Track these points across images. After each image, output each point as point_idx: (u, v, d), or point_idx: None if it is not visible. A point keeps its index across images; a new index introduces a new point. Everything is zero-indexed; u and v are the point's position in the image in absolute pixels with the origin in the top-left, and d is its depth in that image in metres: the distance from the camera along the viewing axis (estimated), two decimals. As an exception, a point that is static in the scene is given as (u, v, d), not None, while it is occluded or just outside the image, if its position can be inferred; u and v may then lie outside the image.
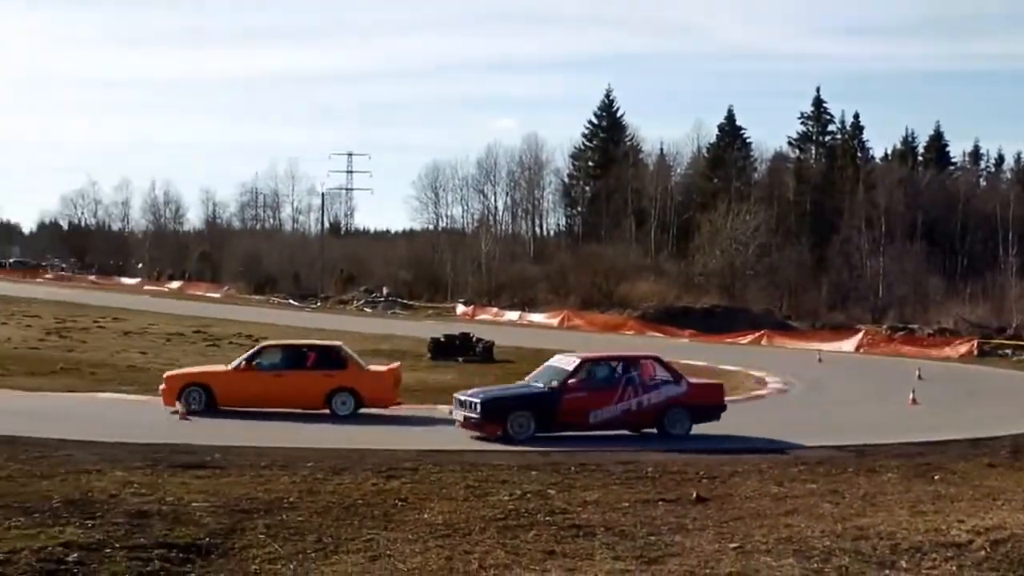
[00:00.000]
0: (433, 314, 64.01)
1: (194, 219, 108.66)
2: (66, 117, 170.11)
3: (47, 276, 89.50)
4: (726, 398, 20.48)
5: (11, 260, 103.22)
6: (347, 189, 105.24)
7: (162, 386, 21.18)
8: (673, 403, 18.85)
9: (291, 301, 70.66)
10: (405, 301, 70.89)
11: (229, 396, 20.78)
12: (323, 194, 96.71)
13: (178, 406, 20.10)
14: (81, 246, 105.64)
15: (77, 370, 28.11)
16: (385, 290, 74.06)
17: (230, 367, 21.64)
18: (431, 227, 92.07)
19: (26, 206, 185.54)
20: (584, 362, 19.31)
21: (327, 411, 20.53)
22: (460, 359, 34.68)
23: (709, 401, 19.35)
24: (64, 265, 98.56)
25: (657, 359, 19.88)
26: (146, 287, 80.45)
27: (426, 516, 11.50)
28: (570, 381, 18.66)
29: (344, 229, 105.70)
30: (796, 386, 29.26)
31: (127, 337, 39.75)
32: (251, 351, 22.60)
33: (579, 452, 16.46)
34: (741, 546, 10.34)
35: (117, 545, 9.72)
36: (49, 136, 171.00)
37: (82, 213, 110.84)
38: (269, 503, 11.94)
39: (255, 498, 12.20)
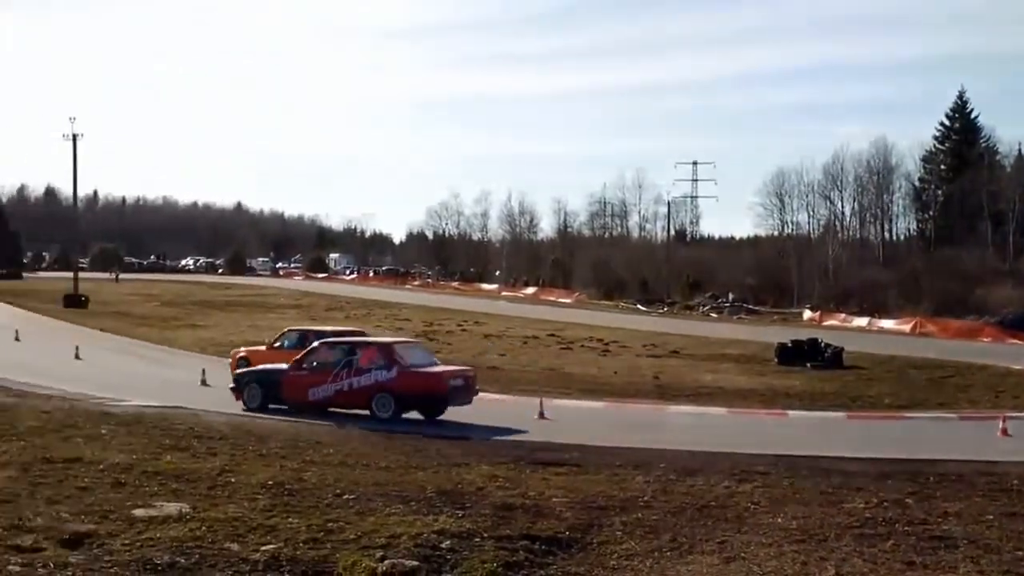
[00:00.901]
0: (779, 319, 62.82)
1: (547, 228, 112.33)
2: (433, 135, 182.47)
3: (415, 283, 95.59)
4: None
5: (383, 268, 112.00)
6: (692, 197, 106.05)
7: (229, 360, 26.62)
8: (380, 388, 19.81)
9: (638, 306, 71.56)
10: (750, 307, 70.06)
11: None
12: (669, 202, 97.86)
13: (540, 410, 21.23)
14: (444, 254, 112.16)
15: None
16: (731, 295, 73.72)
17: (264, 347, 27.02)
18: (776, 233, 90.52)
19: (397, 218, 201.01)
20: (319, 345, 21.51)
21: None
22: (808, 365, 34.04)
23: (419, 391, 19.88)
24: (429, 272, 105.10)
25: (385, 346, 20.97)
26: (503, 293, 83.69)
27: (779, 520, 11.41)
28: (299, 361, 20.83)
29: (689, 236, 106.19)
30: None
31: (487, 340, 41.89)
32: (279, 334, 27.95)
33: (939, 462, 15.71)
34: (1122, 567, 9.61)
35: (485, 535, 10.24)
36: (418, 153, 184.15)
37: (445, 224, 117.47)
38: (625, 501, 12.26)
39: (611, 496, 12.55)
